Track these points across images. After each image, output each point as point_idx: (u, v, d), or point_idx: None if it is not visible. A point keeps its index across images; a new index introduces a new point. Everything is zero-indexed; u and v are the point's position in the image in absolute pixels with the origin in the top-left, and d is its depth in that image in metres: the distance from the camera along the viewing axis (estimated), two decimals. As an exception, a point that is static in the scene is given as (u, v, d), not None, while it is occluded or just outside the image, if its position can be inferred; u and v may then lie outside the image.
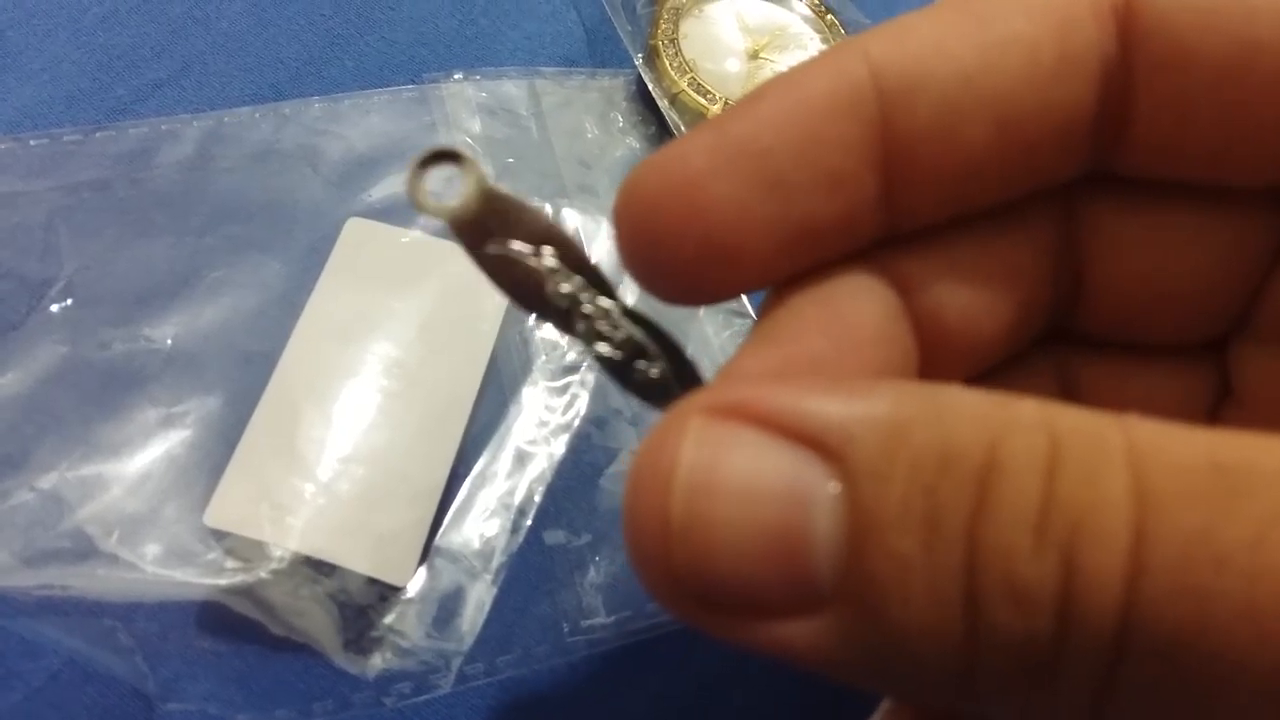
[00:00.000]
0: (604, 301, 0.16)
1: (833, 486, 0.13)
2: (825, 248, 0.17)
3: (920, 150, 0.16)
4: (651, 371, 0.16)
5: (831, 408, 0.13)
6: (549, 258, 0.16)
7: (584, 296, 0.16)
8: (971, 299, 0.18)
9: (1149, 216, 0.18)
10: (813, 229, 0.16)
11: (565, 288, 0.16)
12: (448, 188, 0.16)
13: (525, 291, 0.16)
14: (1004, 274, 0.19)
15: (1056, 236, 0.19)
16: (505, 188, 0.16)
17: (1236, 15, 0.15)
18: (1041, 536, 0.12)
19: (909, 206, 0.17)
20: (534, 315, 0.16)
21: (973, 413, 0.12)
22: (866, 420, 0.13)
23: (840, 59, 0.16)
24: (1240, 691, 0.11)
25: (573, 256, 0.17)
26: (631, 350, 0.16)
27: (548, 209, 0.37)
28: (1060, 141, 0.17)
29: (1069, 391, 0.21)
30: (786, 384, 0.14)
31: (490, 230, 0.16)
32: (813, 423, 0.13)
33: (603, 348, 0.16)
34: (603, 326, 0.16)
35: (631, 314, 0.17)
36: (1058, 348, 0.21)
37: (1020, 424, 0.12)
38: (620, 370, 0.16)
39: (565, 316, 0.16)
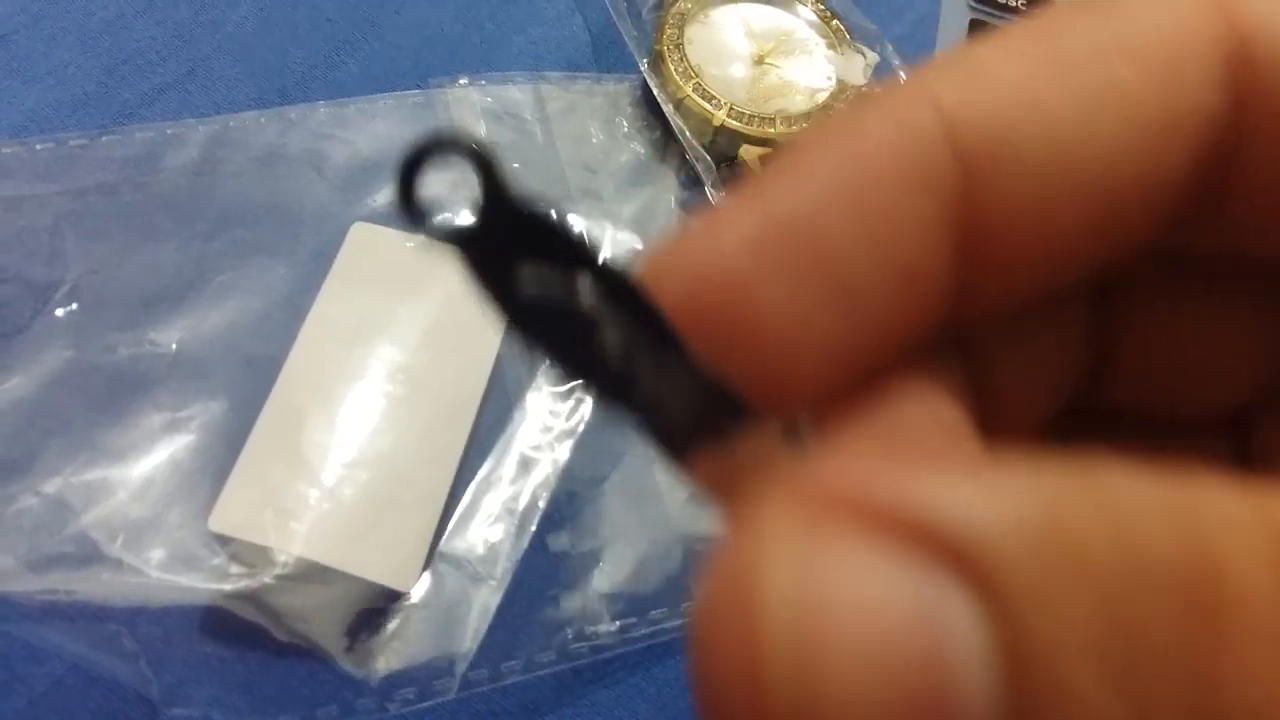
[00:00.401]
0: (668, 358, 0.12)
1: (975, 608, 0.09)
2: (887, 350, 0.13)
3: (1005, 230, 0.13)
4: (724, 451, 0.12)
5: (961, 500, 0.10)
6: (592, 296, 0.12)
7: (641, 352, 0.12)
8: (1026, 366, 0.15)
9: (1196, 288, 0.16)
10: (878, 332, 0.13)
11: (617, 339, 0.12)
12: (451, 193, 0.12)
13: (564, 344, 0.12)
14: (1053, 341, 0.16)
15: (1091, 304, 0.16)
16: (531, 193, 0.12)
17: None
18: None
19: (978, 294, 0.13)
20: (574, 378, 0.12)
21: (1154, 502, 0.09)
22: (1012, 517, 0.09)
23: (903, 108, 0.13)
24: None
25: (625, 296, 0.12)
26: (700, 424, 0.12)
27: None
28: (1150, 214, 0.13)
29: None
30: (895, 463, 0.10)
31: (512, 256, 0.12)
32: (940, 523, 0.10)
33: (662, 422, 0.12)
34: (664, 393, 0.12)
35: (702, 377, 0.12)
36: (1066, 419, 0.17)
37: (1226, 513, 0.09)
38: (679, 447, 0.12)
39: (617, 381, 0.12)
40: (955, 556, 0.09)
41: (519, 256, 0.12)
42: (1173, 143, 0.13)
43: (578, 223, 0.36)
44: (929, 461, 0.11)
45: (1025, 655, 0.09)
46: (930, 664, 0.09)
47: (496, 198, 0.12)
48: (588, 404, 0.34)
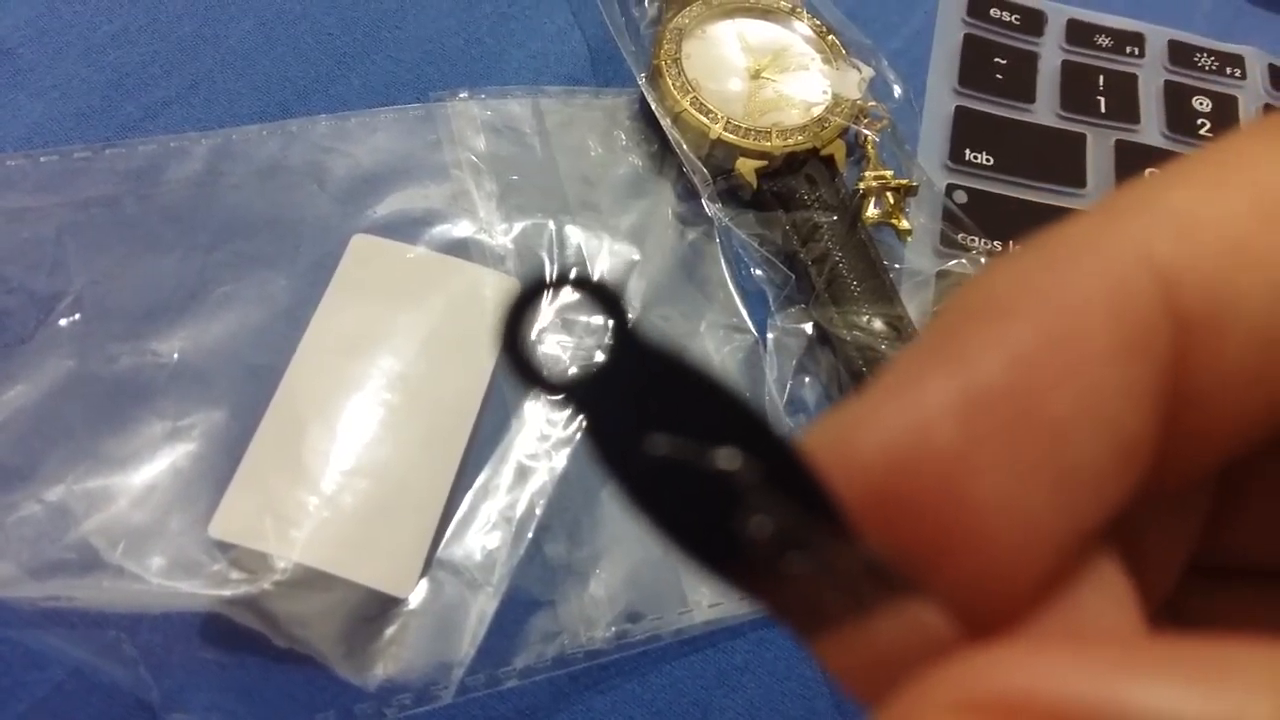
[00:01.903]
0: (835, 545, 0.10)
1: None
2: (1097, 536, 0.11)
3: (1219, 397, 0.11)
4: (871, 640, 0.10)
5: (1170, 706, 0.08)
6: (738, 464, 0.10)
7: (798, 536, 0.10)
8: (1171, 529, 0.14)
9: None
10: (1094, 517, 0.11)
11: (769, 521, 0.10)
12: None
13: (705, 525, 0.10)
14: (1193, 499, 0.14)
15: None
16: (670, 345, 0.10)
17: None
18: None
19: (1175, 465, 0.12)
20: (719, 570, 0.10)
21: None
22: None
23: (1113, 258, 0.11)
24: None
25: (780, 465, 0.10)
26: (851, 612, 0.10)
27: (551, 225, 0.37)
28: None
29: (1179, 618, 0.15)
30: (1079, 657, 0.09)
31: (645, 415, 0.10)
32: None
33: (817, 608, 0.10)
34: (823, 587, 0.10)
35: (873, 565, 0.10)
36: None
37: None
38: (821, 631, 0.10)
39: (765, 569, 0.10)
40: None
41: (651, 418, 0.10)
42: None
43: (573, 234, 0.37)
44: (1118, 654, 0.09)
45: None
46: None
47: (625, 344, 0.10)
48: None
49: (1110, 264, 0.11)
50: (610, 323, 0.10)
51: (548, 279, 0.10)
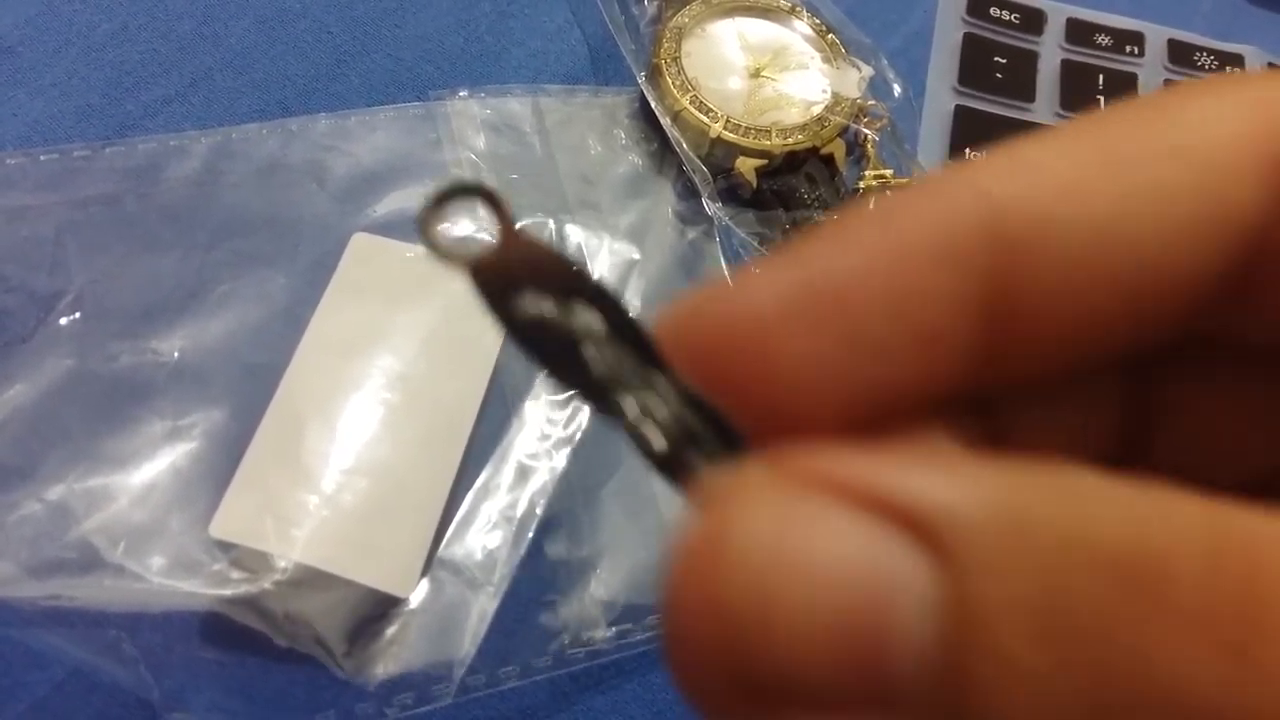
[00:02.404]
0: (654, 376, 0.13)
1: (929, 574, 0.11)
2: (903, 400, 0.14)
3: (1033, 311, 0.14)
4: (702, 462, 0.13)
5: (932, 481, 0.11)
6: (587, 318, 0.13)
7: (628, 368, 0.13)
8: (1046, 430, 0.16)
9: (1229, 371, 0.16)
10: (894, 387, 0.14)
11: (606, 357, 0.13)
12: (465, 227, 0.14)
13: (559, 359, 0.13)
14: (1077, 409, 0.16)
15: (1134, 377, 0.16)
16: (535, 234, 0.14)
17: None
18: (1242, 659, 0.09)
19: (998, 369, 0.14)
20: (568, 389, 0.13)
21: (1116, 501, 0.10)
22: (979, 501, 0.11)
23: (952, 194, 0.14)
24: None
25: (617, 320, 0.14)
26: (682, 437, 0.13)
27: (550, 224, 0.37)
28: (1184, 303, 0.14)
29: None
30: (877, 454, 0.11)
31: (518, 282, 0.13)
32: (908, 496, 0.11)
33: (651, 433, 0.13)
34: (651, 405, 0.13)
35: (687, 393, 0.13)
36: None
37: (1172, 511, 0.10)
38: (665, 460, 0.13)
39: (604, 392, 0.13)
40: (915, 525, 0.11)
41: (522, 283, 0.13)
42: (1208, 239, 0.13)
43: (573, 233, 0.37)
44: (920, 454, 0.12)
45: (966, 616, 0.10)
46: (876, 606, 0.11)
47: (506, 231, 0.14)
48: (585, 413, 0.34)
49: (946, 193, 0.14)
50: (497, 216, 0.14)
51: (457, 185, 0.14)
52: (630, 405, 0.13)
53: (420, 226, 0.14)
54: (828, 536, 0.11)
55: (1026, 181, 0.14)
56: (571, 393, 0.13)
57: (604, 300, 0.13)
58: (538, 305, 0.13)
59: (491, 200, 0.14)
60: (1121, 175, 0.13)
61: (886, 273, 0.13)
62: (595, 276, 0.13)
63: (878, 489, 0.11)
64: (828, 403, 0.13)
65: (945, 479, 0.11)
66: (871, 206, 0.14)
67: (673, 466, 0.13)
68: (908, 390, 0.14)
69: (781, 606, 0.11)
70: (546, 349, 0.13)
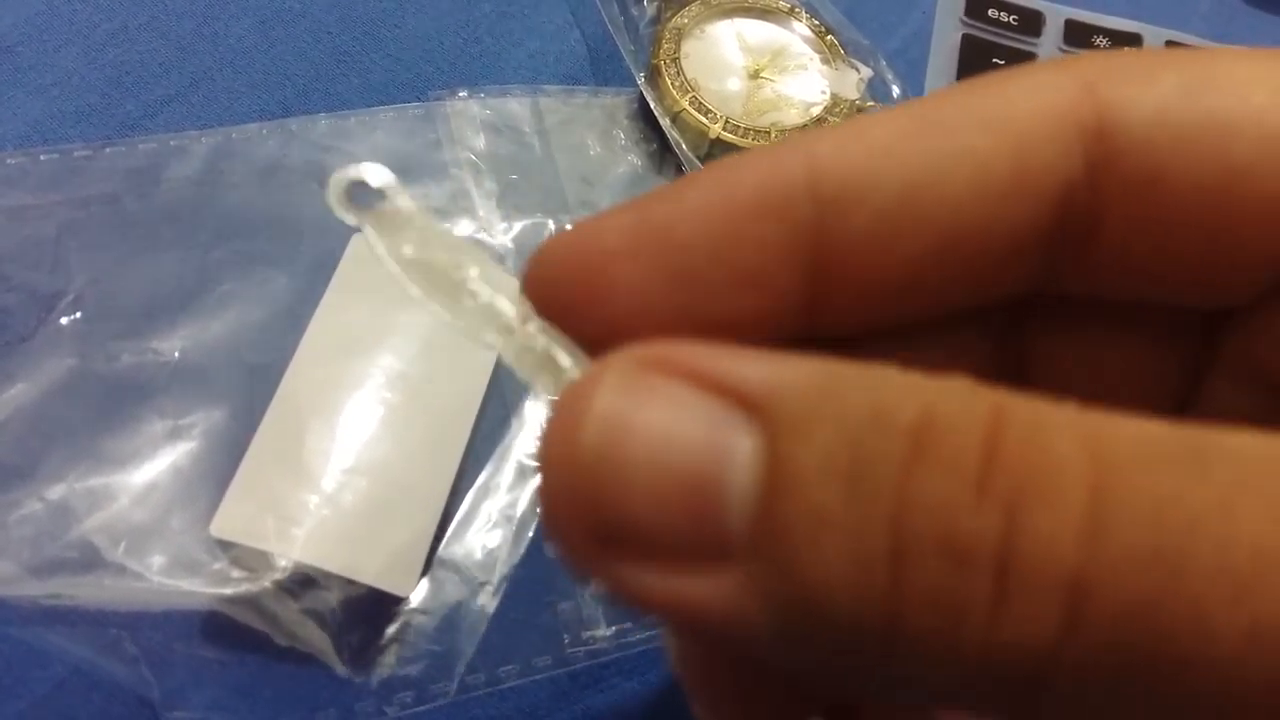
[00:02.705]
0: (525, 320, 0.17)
1: (752, 439, 0.12)
2: (727, 336, 0.16)
3: (853, 259, 0.15)
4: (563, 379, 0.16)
5: (760, 366, 0.13)
6: (469, 269, 0.17)
7: (501, 308, 0.17)
8: None
9: (1094, 325, 0.18)
10: (724, 324, 0.16)
11: (483, 298, 0.17)
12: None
13: (449, 297, 0.17)
14: (943, 361, 0.18)
15: (993, 341, 0.19)
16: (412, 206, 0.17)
17: (1215, 139, 0.15)
18: (983, 492, 0.11)
19: (837, 312, 0.16)
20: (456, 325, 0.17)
21: (907, 380, 0.12)
22: (793, 378, 0.13)
23: (782, 156, 0.16)
24: (1203, 670, 0.11)
25: (488, 271, 0.17)
26: (546, 361, 0.16)
27: (550, 224, 0.38)
28: (1008, 259, 0.16)
29: None
30: (716, 345, 0.13)
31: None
32: (738, 377, 0.13)
33: (522, 358, 0.16)
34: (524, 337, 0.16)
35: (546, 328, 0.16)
36: None
37: (958, 390, 0.12)
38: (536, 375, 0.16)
39: (479, 327, 0.17)
40: (743, 399, 0.13)
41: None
42: (1019, 200, 0.15)
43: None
44: (753, 348, 0.14)
45: (781, 472, 0.12)
46: (707, 466, 0.13)
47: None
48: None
49: (777, 154, 0.15)
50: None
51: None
52: (497, 338, 0.16)
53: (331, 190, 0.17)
54: (669, 407, 0.13)
55: (848, 145, 0.15)
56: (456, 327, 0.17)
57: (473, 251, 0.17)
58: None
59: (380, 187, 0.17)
60: (933, 141, 0.15)
61: (711, 218, 0.15)
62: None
63: (714, 370, 0.13)
64: (662, 332, 0.15)
65: (769, 364, 0.13)
66: (717, 163, 0.16)
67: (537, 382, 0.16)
68: (738, 328, 0.16)
69: (628, 464, 0.13)
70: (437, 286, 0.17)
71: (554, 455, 0.13)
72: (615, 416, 0.13)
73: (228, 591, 0.29)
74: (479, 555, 0.31)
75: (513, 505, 0.32)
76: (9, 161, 0.35)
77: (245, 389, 0.33)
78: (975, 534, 0.11)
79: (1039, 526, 0.11)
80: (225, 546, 0.30)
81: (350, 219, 0.17)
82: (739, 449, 0.12)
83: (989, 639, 0.11)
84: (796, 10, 0.44)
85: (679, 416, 0.13)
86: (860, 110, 0.42)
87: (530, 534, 0.32)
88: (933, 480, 0.12)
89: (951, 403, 0.12)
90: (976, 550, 0.11)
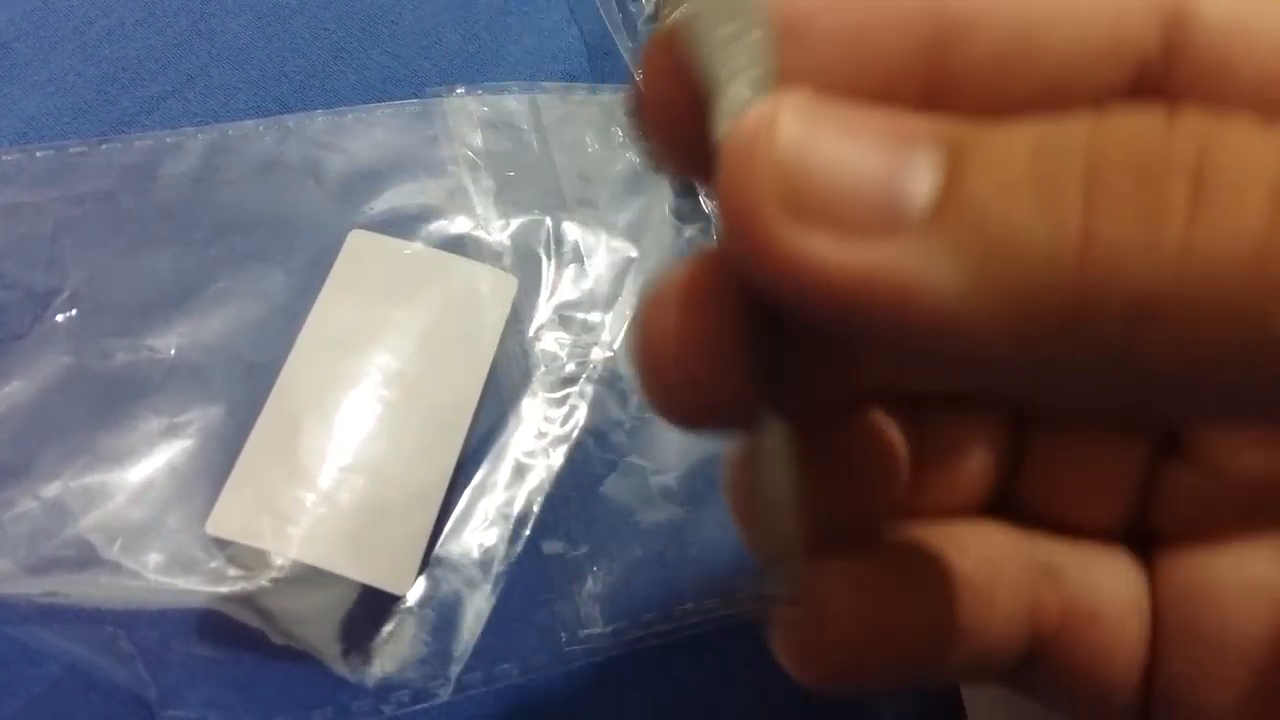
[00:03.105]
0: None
1: (939, 139, 0.13)
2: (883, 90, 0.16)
3: (964, 88, 0.16)
4: None
5: (939, 120, 0.13)
6: None
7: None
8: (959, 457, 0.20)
9: (1071, 427, 0.20)
10: (875, 73, 0.16)
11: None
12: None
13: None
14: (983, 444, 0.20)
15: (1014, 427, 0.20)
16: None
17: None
18: (1174, 125, 0.12)
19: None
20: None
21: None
22: (985, 131, 0.13)
23: None
24: None
25: None
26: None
27: (548, 221, 0.37)
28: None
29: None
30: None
31: None
32: (923, 120, 0.13)
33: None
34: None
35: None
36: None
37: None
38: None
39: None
40: (931, 133, 0.13)
41: None
42: (1111, 64, 0.16)
43: (570, 230, 0.37)
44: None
45: (973, 142, 0.13)
46: (899, 137, 0.13)
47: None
48: (582, 410, 0.34)
49: None
50: None
51: None
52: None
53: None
54: (859, 107, 0.13)
55: None
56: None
57: None
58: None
59: None
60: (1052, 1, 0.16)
61: (845, 15, 0.16)
62: None
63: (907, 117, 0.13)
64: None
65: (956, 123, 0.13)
66: None
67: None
68: (884, 80, 0.16)
69: (821, 136, 0.13)
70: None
71: (747, 129, 0.13)
72: (809, 106, 0.13)
73: (224, 590, 0.29)
74: (476, 554, 0.31)
75: (509, 503, 0.32)
76: (4, 158, 0.35)
77: (241, 386, 0.33)
78: (1171, 151, 0.12)
79: (1232, 141, 0.11)
80: (221, 544, 0.30)
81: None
82: (929, 133, 0.13)
83: (1190, 238, 0.11)
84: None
85: (871, 114, 0.13)
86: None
87: (527, 532, 0.32)
88: (1124, 119, 0.12)
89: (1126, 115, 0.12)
90: (1172, 165, 0.11)
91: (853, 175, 0.13)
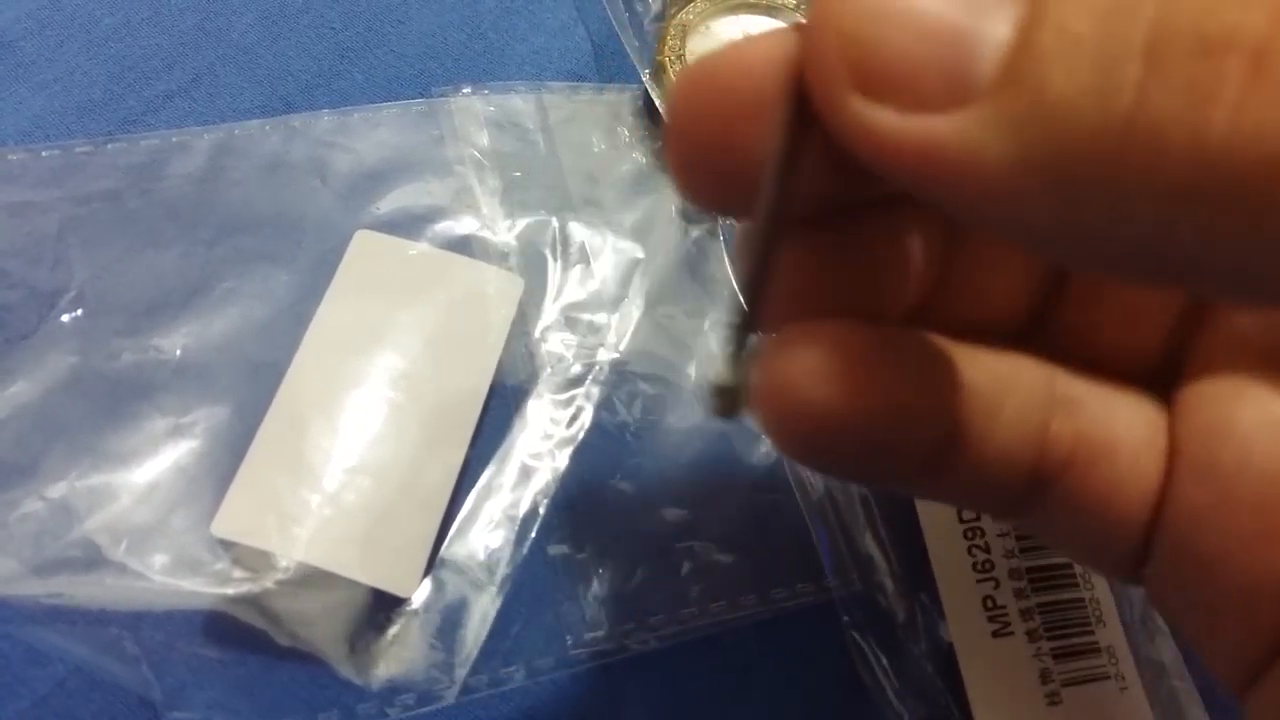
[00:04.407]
0: None
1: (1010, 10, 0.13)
2: None
3: None
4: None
5: None
6: None
7: None
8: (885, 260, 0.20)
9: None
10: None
11: None
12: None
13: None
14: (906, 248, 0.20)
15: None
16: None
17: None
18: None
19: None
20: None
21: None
22: None
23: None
24: None
25: None
26: None
27: (554, 222, 0.37)
28: None
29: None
30: None
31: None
32: None
33: None
34: None
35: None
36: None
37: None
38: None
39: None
40: None
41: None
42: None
43: (576, 230, 0.37)
44: None
45: (1040, 12, 0.13)
46: (966, 16, 0.13)
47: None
48: (588, 412, 0.34)
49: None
50: None
51: None
52: None
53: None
54: None
55: None
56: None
57: None
58: None
59: None
60: None
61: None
62: None
63: None
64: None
65: None
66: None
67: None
68: None
69: (890, 11, 0.13)
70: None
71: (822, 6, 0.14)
72: None
73: (229, 591, 0.29)
74: (481, 556, 0.31)
75: (515, 505, 0.32)
76: (10, 157, 0.35)
77: (247, 387, 0.33)
78: (1236, 25, 0.11)
79: None
80: (227, 546, 0.30)
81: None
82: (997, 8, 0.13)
83: (1236, 121, 0.11)
84: (801, 6, 0.43)
85: None
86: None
87: (533, 534, 0.32)
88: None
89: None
90: (1235, 40, 0.11)
91: (927, 40, 0.13)
